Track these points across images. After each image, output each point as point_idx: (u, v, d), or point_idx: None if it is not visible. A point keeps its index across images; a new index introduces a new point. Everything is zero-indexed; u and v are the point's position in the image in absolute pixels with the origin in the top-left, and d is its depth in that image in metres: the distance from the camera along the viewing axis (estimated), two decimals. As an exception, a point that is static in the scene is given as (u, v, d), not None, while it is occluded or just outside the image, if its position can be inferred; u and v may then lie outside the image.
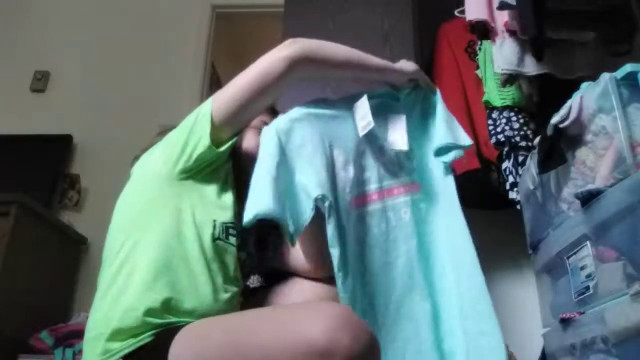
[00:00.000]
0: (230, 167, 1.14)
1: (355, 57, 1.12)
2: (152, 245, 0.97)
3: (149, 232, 0.98)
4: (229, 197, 1.09)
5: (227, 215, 1.06)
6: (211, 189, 1.06)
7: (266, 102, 1.08)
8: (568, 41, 1.70)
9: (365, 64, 1.13)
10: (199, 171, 1.05)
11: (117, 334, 0.90)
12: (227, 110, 1.03)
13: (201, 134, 1.02)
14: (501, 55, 1.75)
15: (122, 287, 0.94)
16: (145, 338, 0.89)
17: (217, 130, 1.03)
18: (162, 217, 1.00)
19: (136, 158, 1.14)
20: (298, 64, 1.02)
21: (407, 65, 1.20)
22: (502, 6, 1.63)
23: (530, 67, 1.73)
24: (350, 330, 0.73)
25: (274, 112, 1.23)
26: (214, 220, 1.03)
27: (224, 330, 0.87)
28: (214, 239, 1.02)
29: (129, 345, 0.89)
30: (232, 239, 1.07)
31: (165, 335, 0.88)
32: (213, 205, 1.05)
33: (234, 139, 1.08)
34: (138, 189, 1.07)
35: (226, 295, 1.01)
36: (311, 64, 1.05)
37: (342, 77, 1.18)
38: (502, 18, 1.74)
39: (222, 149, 1.05)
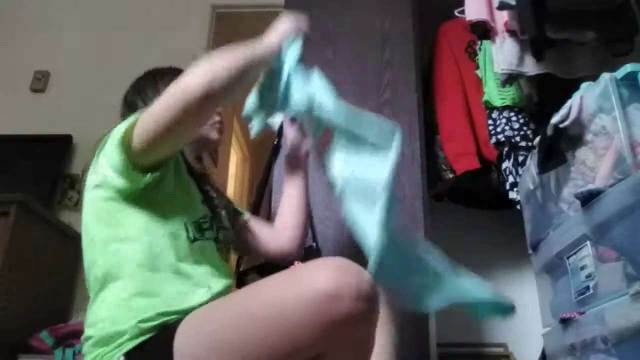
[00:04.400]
0: (179, 159, 1.09)
1: (247, 52, 1.00)
2: (132, 270, 0.95)
3: (125, 256, 0.96)
4: (191, 192, 1.08)
5: (195, 212, 1.05)
6: (168, 195, 1.02)
7: (188, 135, 1.02)
8: (569, 41, 1.70)
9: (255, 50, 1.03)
10: (143, 191, 0.98)
11: (116, 335, 0.90)
12: (143, 139, 0.93)
13: (120, 174, 0.95)
14: (501, 55, 1.75)
15: (108, 312, 0.94)
16: (150, 332, 0.89)
17: (137, 158, 0.94)
18: (133, 238, 0.97)
19: (84, 172, 1.09)
20: (212, 98, 0.92)
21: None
22: (502, 6, 1.63)
23: (530, 67, 1.73)
24: (355, 274, 0.76)
25: None
26: (185, 223, 1.01)
27: (229, 303, 0.86)
28: (192, 240, 1.01)
29: (135, 336, 0.89)
30: (208, 233, 1.06)
31: (169, 326, 0.88)
32: (178, 208, 1.02)
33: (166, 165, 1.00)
34: (97, 216, 1.03)
35: (220, 287, 1.00)
36: (225, 89, 0.93)
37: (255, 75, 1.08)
38: (502, 18, 1.74)
39: (154, 175, 0.96)
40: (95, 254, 1.00)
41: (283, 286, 0.79)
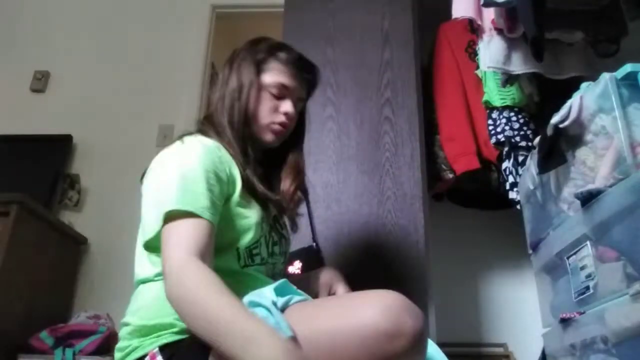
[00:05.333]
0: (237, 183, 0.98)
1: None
2: None
3: None
4: (248, 212, 0.99)
5: (248, 236, 0.97)
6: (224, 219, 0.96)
7: None
8: (556, 41, 1.70)
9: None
10: None
11: (155, 327, 0.88)
12: None
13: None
14: (488, 52, 1.75)
15: (152, 302, 0.91)
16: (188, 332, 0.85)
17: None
18: None
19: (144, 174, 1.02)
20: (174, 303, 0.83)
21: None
22: (487, 4, 1.62)
23: (517, 65, 1.73)
24: (411, 311, 0.75)
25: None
26: (237, 249, 0.97)
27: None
28: (242, 266, 0.97)
29: (174, 332, 0.86)
30: (257, 259, 1.00)
31: None
32: (231, 232, 0.97)
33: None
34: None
35: None
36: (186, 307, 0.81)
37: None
38: (490, 16, 1.73)
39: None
40: (156, 243, 0.92)
41: (339, 317, 0.77)
